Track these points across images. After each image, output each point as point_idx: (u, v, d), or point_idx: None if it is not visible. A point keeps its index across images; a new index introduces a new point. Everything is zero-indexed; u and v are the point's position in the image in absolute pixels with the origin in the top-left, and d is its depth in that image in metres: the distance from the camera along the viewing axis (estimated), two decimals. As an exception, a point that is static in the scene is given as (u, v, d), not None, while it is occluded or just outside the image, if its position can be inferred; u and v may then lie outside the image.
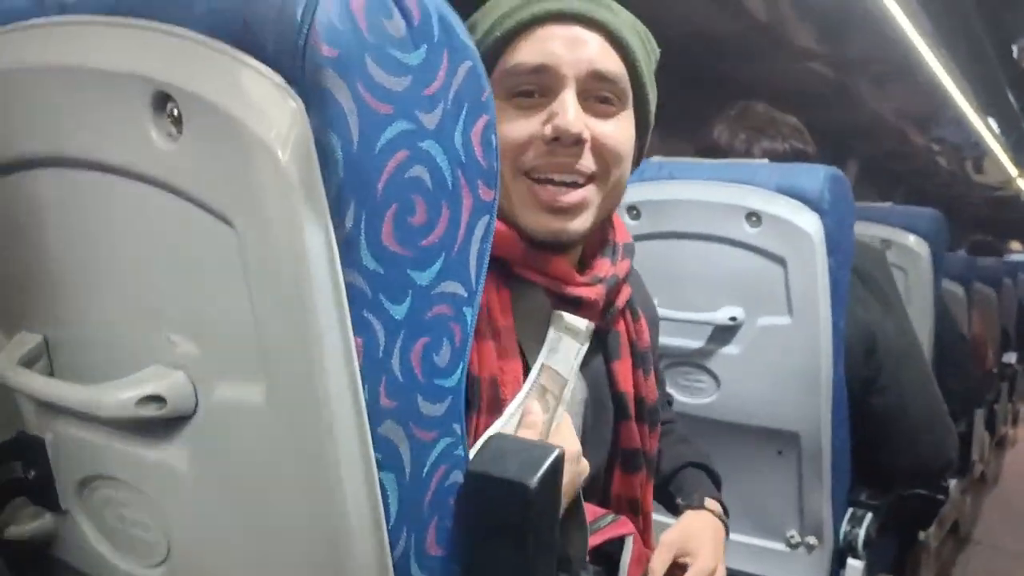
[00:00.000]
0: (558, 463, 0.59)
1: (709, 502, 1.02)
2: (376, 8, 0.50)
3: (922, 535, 2.09)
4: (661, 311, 1.47)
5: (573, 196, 0.80)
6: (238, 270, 0.51)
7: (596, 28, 0.80)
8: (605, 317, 0.88)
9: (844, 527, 1.53)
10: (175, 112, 0.51)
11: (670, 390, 1.53)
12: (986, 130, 4.39)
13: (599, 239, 0.90)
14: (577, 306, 0.83)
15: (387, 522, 0.54)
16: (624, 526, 0.85)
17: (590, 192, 0.81)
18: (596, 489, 0.95)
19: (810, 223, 1.35)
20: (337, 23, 0.48)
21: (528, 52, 0.79)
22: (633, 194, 1.50)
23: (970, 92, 3.53)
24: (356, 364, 0.51)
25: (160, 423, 0.58)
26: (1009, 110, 4.46)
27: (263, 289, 0.50)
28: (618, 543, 0.85)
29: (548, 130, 0.78)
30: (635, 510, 0.96)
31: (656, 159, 1.54)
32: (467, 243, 0.58)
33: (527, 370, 0.79)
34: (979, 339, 2.92)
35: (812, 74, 3.21)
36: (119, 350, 0.60)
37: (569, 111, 0.77)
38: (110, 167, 0.55)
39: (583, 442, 0.86)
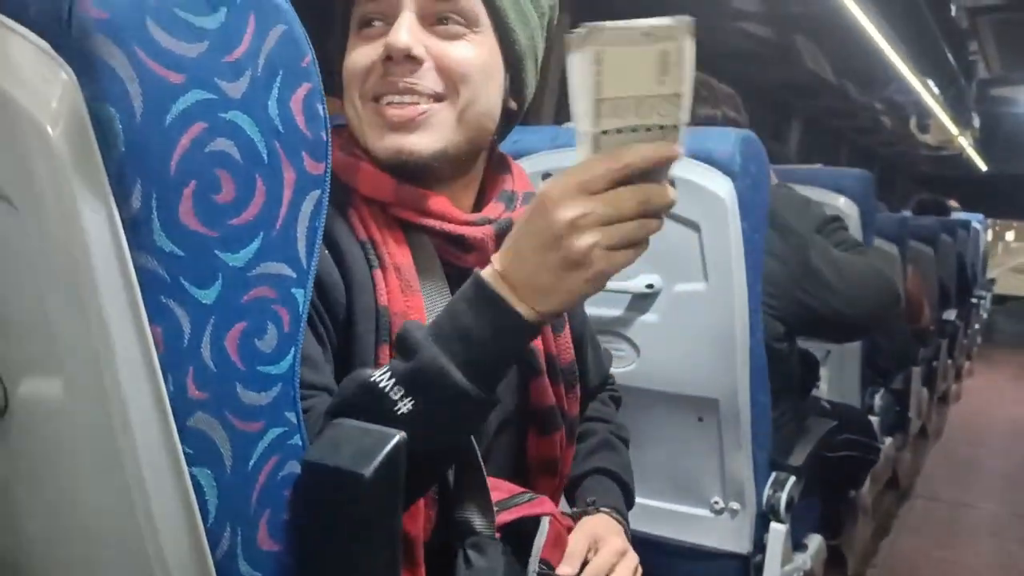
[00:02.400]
0: (397, 450, 0.56)
1: (605, 510, 0.97)
2: (158, -35, 0.46)
3: (852, 494, 2.11)
4: (577, 280, 1.45)
5: (412, 110, 0.78)
6: (26, 255, 0.47)
7: None
8: None
9: (767, 491, 1.53)
10: (-52, 84, 0.47)
11: (589, 359, 1.51)
12: (925, 90, 4.41)
13: (496, 185, 0.89)
14: (462, 246, 0.82)
15: (205, 519, 0.51)
16: (541, 505, 0.82)
17: (435, 110, 0.79)
18: (509, 453, 0.91)
19: (722, 187, 1.33)
20: (108, -18, 0.44)
21: None
22: (546, 161, 1.46)
23: (906, 52, 3.53)
24: (154, 354, 0.47)
25: (-34, 422, 0.54)
26: (948, 69, 4.49)
27: (45, 274, 0.46)
28: (533, 522, 0.83)
29: (381, 49, 0.77)
30: (552, 471, 0.93)
31: (570, 125, 1.51)
32: (291, 219, 0.54)
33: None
34: (914, 297, 2.95)
35: (748, 34, 3.19)
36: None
37: (400, 30, 0.76)
38: None
39: None
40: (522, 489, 0.85)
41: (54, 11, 0.43)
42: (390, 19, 0.79)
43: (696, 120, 1.53)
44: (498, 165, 0.92)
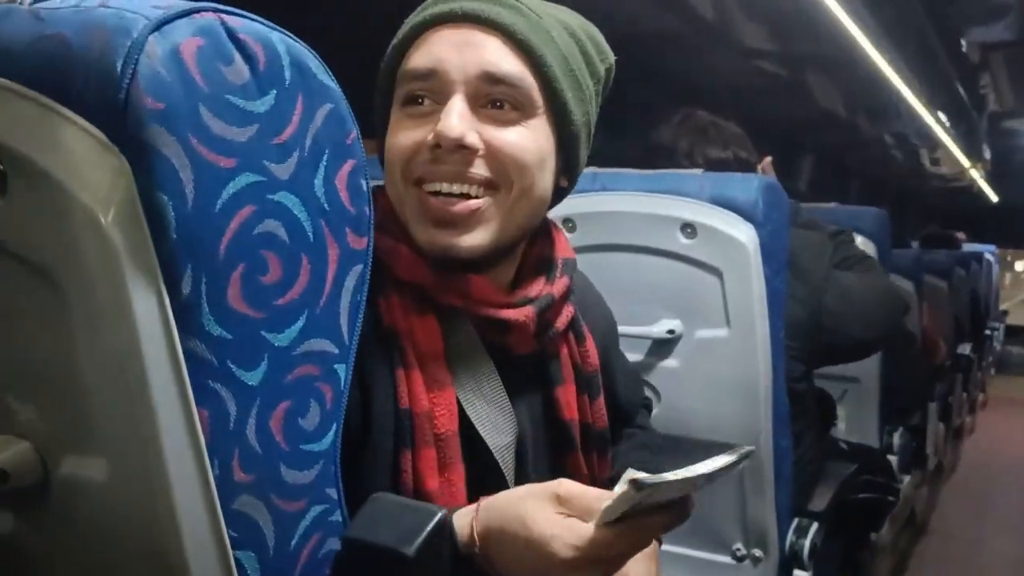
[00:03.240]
0: (440, 528, 0.55)
1: None
2: (211, 54, 0.46)
3: (873, 536, 2.09)
4: (598, 325, 1.45)
5: (462, 206, 0.74)
6: (72, 335, 0.47)
7: (495, 29, 0.75)
8: (541, 340, 0.82)
9: (790, 537, 1.52)
10: (1, 168, 0.47)
11: (610, 404, 1.50)
12: (936, 123, 4.42)
13: (535, 255, 0.84)
14: (504, 331, 0.78)
15: (248, 602, 0.50)
16: None
17: (486, 204, 0.75)
18: None
19: (744, 234, 1.33)
20: (164, 73, 0.44)
21: (419, 57, 0.75)
22: (567, 206, 1.45)
23: (918, 86, 3.54)
24: (201, 438, 0.47)
25: (7, 495, 0.53)
26: (959, 102, 4.50)
27: (93, 358, 0.46)
28: None
29: (431, 137, 0.73)
30: None
31: (589, 170, 1.51)
32: (335, 296, 0.54)
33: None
34: (930, 334, 2.93)
35: (760, 71, 3.21)
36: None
37: (452, 116, 0.72)
38: (-64, 225, 0.51)
39: (520, 482, 0.80)
40: None
41: (110, 101, 0.43)
42: (439, 98, 0.75)
43: (708, 162, 1.53)
44: (538, 231, 0.87)
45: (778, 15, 2.73)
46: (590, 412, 0.88)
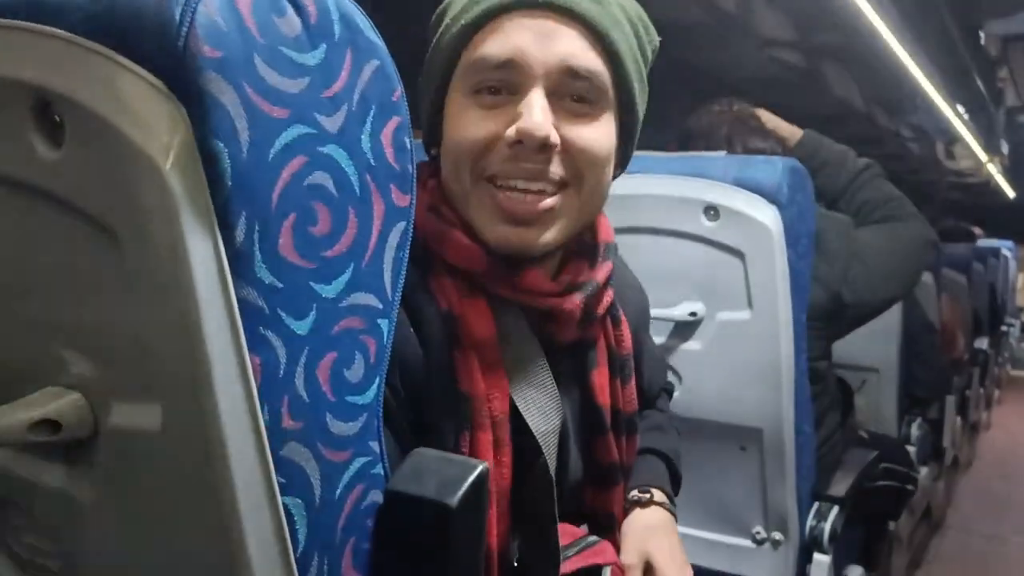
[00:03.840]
0: (481, 480, 0.56)
1: (657, 494, 0.95)
2: (265, 5, 0.47)
3: (892, 525, 2.09)
4: (621, 308, 1.46)
5: (539, 204, 0.72)
6: (126, 285, 0.48)
7: (573, 19, 0.72)
8: (583, 327, 0.81)
9: (810, 522, 1.52)
10: (57, 118, 0.48)
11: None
12: (955, 116, 4.40)
13: (579, 240, 0.83)
14: (552, 319, 0.78)
15: (296, 548, 0.51)
16: (602, 553, 0.82)
17: (560, 201, 0.74)
18: (571, 501, 0.89)
19: (768, 216, 1.33)
20: (221, 22, 0.45)
21: (494, 45, 0.72)
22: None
23: (937, 79, 3.53)
24: (253, 384, 0.48)
25: (58, 447, 0.54)
26: (978, 96, 4.48)
27: (149, 305, 0.47)
28: (595, 570, 0.82)
29: (512, 132, 0.71)
30: (611, 525, 0.91)
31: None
32: (380, 251, 0.55)
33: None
34: (949, 326, 2.93)
35: (778, 61, 3.20)
36: (14, 370, 0.57)
37: (535, 112, 0.70)
38: (-7, 177, 0.52)
39: (561, 464, 0.83)
40: (583, 532, 0.84)
41: (168, 49, 0.44)
42: (515, 89, 0.72)
43: (748, 151, 1.54)
44: None
45: (799, 5, 2.73)
46: (621, 397, 0.89)
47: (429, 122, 0.78)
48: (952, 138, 5.15)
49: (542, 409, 0.78)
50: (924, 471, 2.61)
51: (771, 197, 1.34)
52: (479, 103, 0.73)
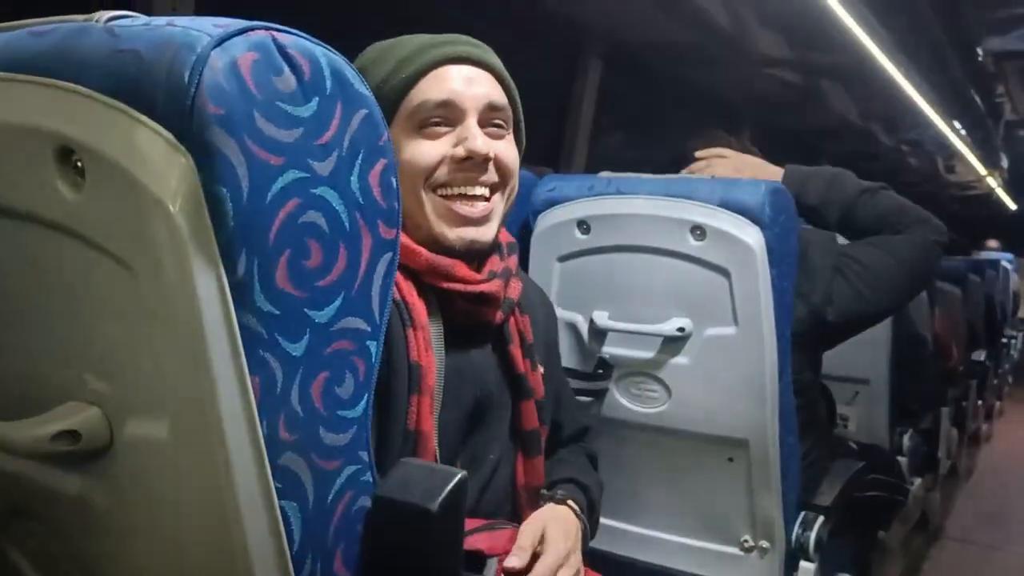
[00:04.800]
0: (459, 488, 0.62)
1: (571, 503, 1.02)
2: (264, 66, 0.53)
3: (881, 534, 2.13)
4: (611, 323, 1.51)
5: (483, 207, 0.93)
6: (140, 312, 0.54)
7: (485, 68, 0.95)
8: (503, 309, 0.98)
9: (796, 530, 1.57)
10: (78, 164, 0.54)
11: (622, 400, 1.56)
12: (952, 132, 4.44)
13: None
14: (483, 302, 0.94)
15: (291, 548, 0.57)
16: (493, 537, 0.87)
17: (495, 202, 0.95)
18: (503, 482, 1.00)
19: (752, 236, 1.38)
20: (224, 83, 0.51)
21: (433, 90, 0.91)
22: (582, 209, 1.53)
23: (933, 95, 3.58)
24: (252, 401, 0.54)
25: (76, 457, 0.60)
26: (975, 111, 4.52)
27: (160, 331, 0.53)
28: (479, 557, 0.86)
29: (460, 151, 0.91)
30: (534, 501, 1.00)
31: (605, 174, 1.58)
32: (368, 280, 0.61)
33: None
34: (942, 338, 2.96)
35: (774, 79, 3.25)
36: (37, 388, 0.63)
37: (478, 138, 0.91)
38: (20, 215, 0.58)
39: (481, 440, 0.96)
40: (488, 521, 0.92)
41: (178, 106, 0.50)
42: (451, 122, 0.92)
43: None
44: None
45: (791, 26, 2.78)
46: (532, 378, 1.03)
47: None
48: (951, 152, 5.19)
49: (460, 379, 0.93)
50: (917, 482, 2.65)
51: (754, 218, 1.39)
52: (424, 134, 0.92)
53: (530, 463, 1.02)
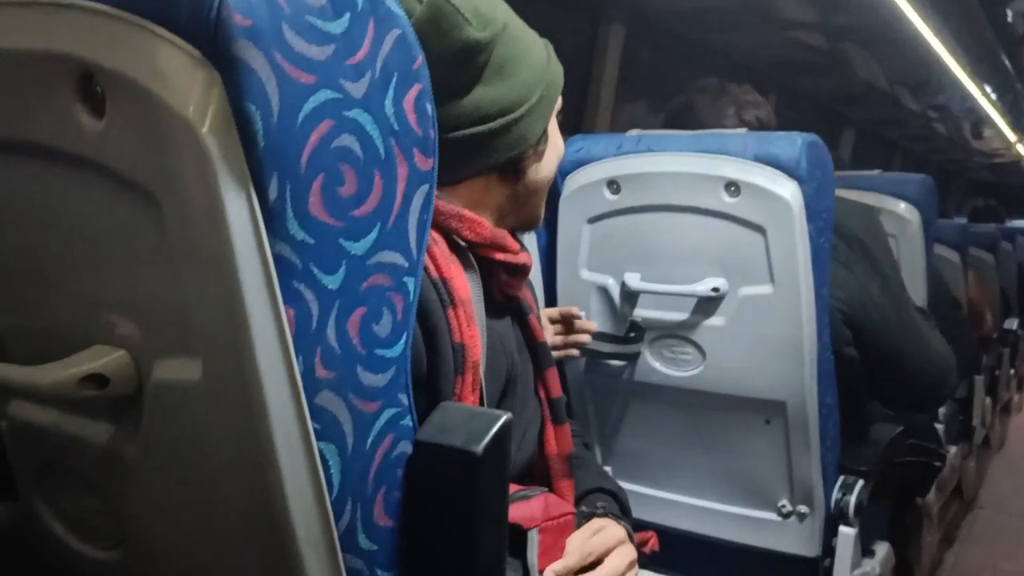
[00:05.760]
0: (505, 430, 0.59)
1: (613, 516, 1.02)
2: (292, -24, 0.50)
3: (919, 501, 2.09)
4: (644, 284, 1.47)
5: None
6: (167, 247, 0.51)
7: None
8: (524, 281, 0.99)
9: (835, 494, 1.53)
10: (99, 90, 0.51)
11: (655, 363, 1.53)
12: (982, 96, 4.35)
13: None
14: (521, 273, 0.94)
15: (330, 493, 0.54)
16: (529, 507, 0.85)
17: None
18: (530, 449, 0.99)
19: (788, 190, 1.34)
20: (250, -8, 0.48)
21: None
22: (612, 168, 1.49)
23: (963, 58, 3.49)
24: (288, 335, 0.51)
25: (106, 405, 0.58)
26: (1005, 75, 4.42)
27: (188, 264, 0.50)
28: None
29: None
30: (567, 469, 1.00)
31: (634, 132, 1.53)
32: (404, 212, 0.58)
33: None
34: (976, 305, 2.90)
35: (799, 43, 3.19)
36: (65, 333, 0.60)
37: None
38: (40, 148, 0.55)
39: (510, 410, 0.91)
40: (518, 487, 0.89)
41: (202, 19, 0.47)
42: None
43: (750, 123, 1.55)
44: None
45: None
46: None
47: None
48: (980, 118, 5.08)
49: (496, 354, 0.91)
50: (953, 450, 2.60)
51: (791, 172, 1.35)
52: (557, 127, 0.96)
53: (560, 430, 1.01)
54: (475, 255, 0.89)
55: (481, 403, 0.84)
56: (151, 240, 0.53)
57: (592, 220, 1.51)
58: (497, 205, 0.93)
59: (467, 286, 0.85)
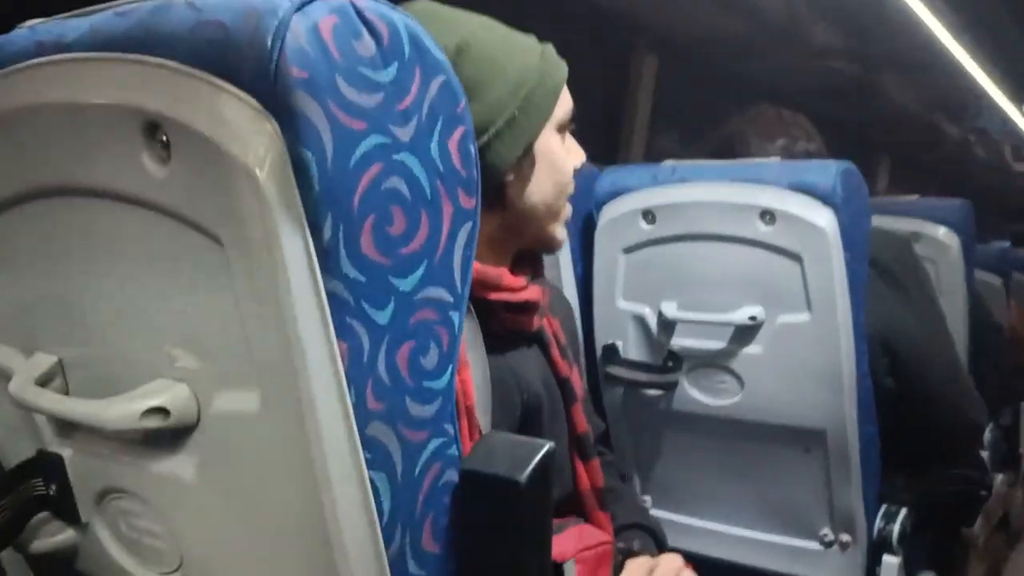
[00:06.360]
0: (548, 459, 0.61)
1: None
2: (345, 30, 0.53)
3: (964, 530, 2.06)
4: (680, 314, 1.49)
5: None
6: (228, 285, 0.54)
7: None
8: (539, 315, 0.95)
9: (878, 523, 1.52)
10: (164, 139, 0.55)
11: (693, 392, 1.54)
12: (1021, 116, 4.31)
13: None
14: (524, 310, 0.91)
15: (380, 520, 0.56)
16: (560, 541, 0.84)
17: None
18: (565, 484, 0.98)
19: (824, 219, 1.35)
20: (306, 47, 0.51)
21: (567, 98, 0.92)
22: (647, 199, 1.51)
23: (998, 78, 3.47)
24: (341, 368, 0.53)
25: (166, 435, 0.61)
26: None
27: (248, 301, 0.53)
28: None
29: (578, 163, 0.94)
30: (602, 501, 0.99)
31: (669, 163, 1.55)
32: (450, 249, 0.60)
33: None
34: (1019, 330, 2.86)
35: (832, 70, 3.19)
36: (128, 366, 0.63)
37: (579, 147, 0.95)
38: (109, 193, 0.58)
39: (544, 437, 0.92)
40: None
41: (262, 72, 0.50)
42: (564, 133, 0.93)
43: (794, 156, 1.56)
44: None
45: (848, 15, 2.73)
46: (573, 377, 1.01)
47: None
48: (1019, 140, 5.03)
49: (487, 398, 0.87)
50: (999, 478, 2.56)
51: (826, 200, 1.36)
52: (560, 141, 0.92)
53: (589, 466, 1.00)
54: None
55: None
56: (213, 277, 0.56)
57: (628, 250, 1.53)
58: (487, 237, 0.89)
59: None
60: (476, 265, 0.83)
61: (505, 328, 0.90)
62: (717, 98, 3.09)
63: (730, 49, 2.92)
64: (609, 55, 2.67)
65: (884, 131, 4.40)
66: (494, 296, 0.86)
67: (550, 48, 0.91)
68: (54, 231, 0.65)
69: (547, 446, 0.61)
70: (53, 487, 0.69)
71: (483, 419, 0.86)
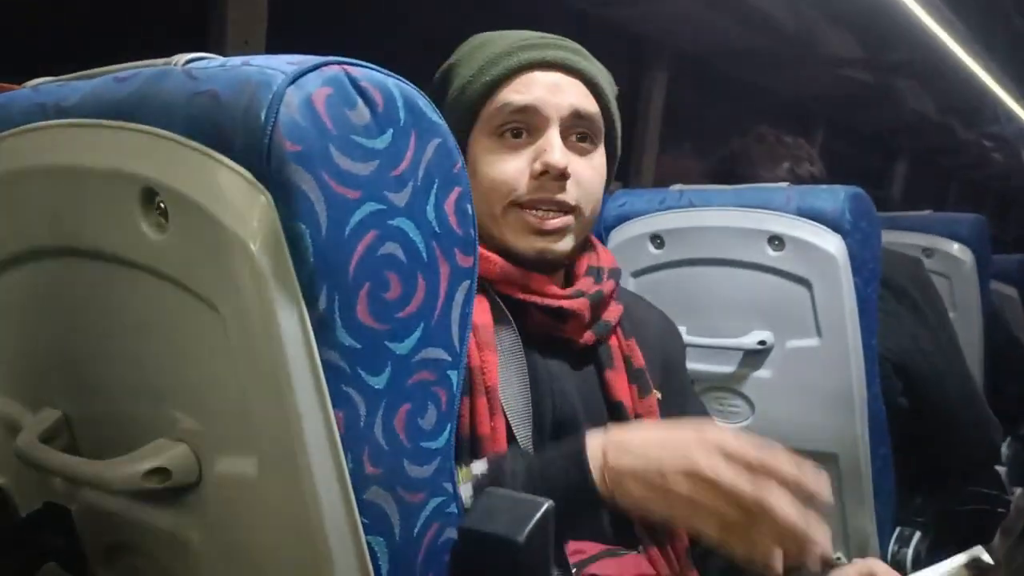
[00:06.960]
0: (547, 517, 0.61)
1: None
2: (338, 100, 0.53)
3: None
4: (690, 338, 1.48)
5: (557, 221, 0.90)
6: (226, 350, 0.55)
7: (575, 74, 0.91)
8: (596, 331, 0.95)
9: (892, 546, 1.51)
10: (162, 205, 0.55)
11: (704, 416, 1.53)
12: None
13: (585, 263, 0.98)
14: (561, 318, 0.91)
15: (379, 583, 0.57)
16: (617, 566, 0.83)
17: (569, 220, 0.91)
18: (616, 518, 0.94)
19: (833, 245, 1.35)
20: (300, 119, 0.51)
21: (516, 95, 0.89)
22: (656, 223, 1.51)
23: (1012, 84, 3.44)
24: (337, 436, 0.53)
25: (168, 493, 0.61)
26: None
27: (245, 369, 0.53)
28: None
29: (538, 165, 0.88)
30: (658, 533, 0.95)
31: (677, 187, 1.55)
32: (447, 309, 0.60)
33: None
34: (1038, 342, 2.83)
35: (847, 79, 3.18)
36: (131, 425, 0.64)
37: (556, 150, 0.88)
38: (108, 256, 0.59)
39: None
40: (611, 547, 0.86)
41: (256, 146, 0.51)
42: (533, 130, 0.90)
43: (803, 178, 1.56)
44: (584, 244, 1.00)
45: (863, 25, 2.72)
46: (640, 404, 0.98)
47: None
48: (1036, 144, 4.99)
49: (513, 390, 0.89)
50: (1018, 491, 2.53)
51: (835, 225, 1.35)
52: (504, 144, 0.90)
53: None
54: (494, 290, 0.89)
55: (509, 433, 0.86)
56: (211, 343, 0.56)
57: (637, 274, 1.54)
58: (487, 235, 0.90)
59: (485, 312, 0.87)
60: (499, 262, 0.88)
61: (542, 332, 0.92)
62: (732, 111, 3.09)
63: (744, 60, 2.91)
64: (620, 71, 2.66)
65: (902, 138, 4.38)
66: (523, 296, 0.89)
67: (527, 45, 0.91)
68: (60, 290, 0.66)
69: (546, 504, 0.61)
70: (61, 540, 0.70)
71: (521, 429, 0.87)
